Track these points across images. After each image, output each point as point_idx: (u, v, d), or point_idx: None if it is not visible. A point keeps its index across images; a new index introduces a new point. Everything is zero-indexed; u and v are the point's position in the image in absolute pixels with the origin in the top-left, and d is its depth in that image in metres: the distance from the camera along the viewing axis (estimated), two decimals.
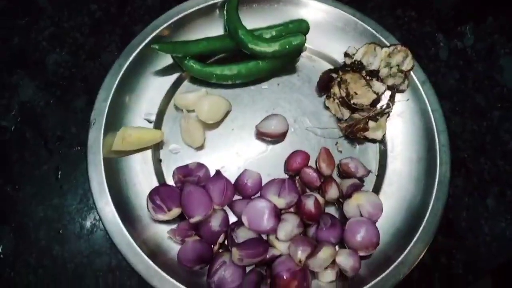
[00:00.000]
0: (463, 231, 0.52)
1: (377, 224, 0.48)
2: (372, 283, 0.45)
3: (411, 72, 0.54)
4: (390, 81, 0.54)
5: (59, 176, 0.51)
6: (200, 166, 0.49)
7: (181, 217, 0.47)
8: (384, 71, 0.54)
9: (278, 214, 0.46)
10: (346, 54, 0.56)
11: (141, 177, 0.50)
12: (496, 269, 0.50)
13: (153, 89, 0.54)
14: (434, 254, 0.50)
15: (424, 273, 0.49)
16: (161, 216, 0.46)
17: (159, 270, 0.44)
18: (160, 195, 0.46)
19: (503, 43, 0.61)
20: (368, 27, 0.57)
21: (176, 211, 0.46)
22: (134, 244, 0.45)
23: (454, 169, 0.51)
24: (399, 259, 0.46)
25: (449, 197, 0.49)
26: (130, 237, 0.45)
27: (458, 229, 0.52)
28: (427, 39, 0.61)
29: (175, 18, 0.55)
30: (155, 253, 0.46)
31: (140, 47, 0.53)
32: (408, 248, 0.46)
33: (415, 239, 0.47)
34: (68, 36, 0.57)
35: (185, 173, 0.48)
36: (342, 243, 0.47)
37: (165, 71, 0.55)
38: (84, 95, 0.54)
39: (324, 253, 0.43)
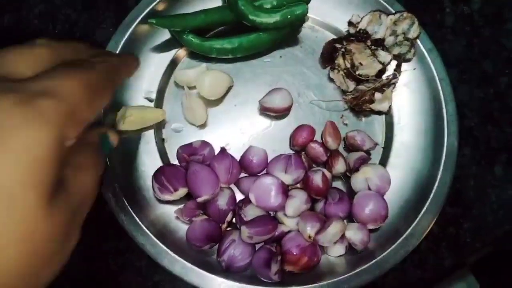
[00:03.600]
0: (470, 200, 0.51)
1: (385, 197, 0.47)
2: (382, 255, 0.45)
3: (417, 40, 0.53)
4: (396, 50, 0.53)
5: None
6: (204, 144, 0.48)
7: (187, 197, 0.47)
8: (389, 40, 0.53)
9: (285, 190, 0.45)
10: (350, 23, 0.54)
11: (144, 157, 0.49)
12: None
13: (152, 66, 0.52)
14: (441, 223, 0.50)
15: (432, 242, 0.49)
16: (167, 197, 0.45)
17: (168, 250, 0.44)
18: (166, 175, 0.45)
19: (511, 6, 0.59)
20: None
21: (182, 191, 0.46)
22: (142, 225, 0.45)
23: (461, 138, 0.50)
24: (408, 231, 0.46)
25: (456, 167, 0.48)
26: (137, 218, 0.45)
27: (465, 198, 0.52)
28: (432, 5, 0.59)
29: None
30: (163, 233, 0.46)
31: (136, 22, 0.51)
32: (417, 219, 0.46)
33: (423, 210, 0.47)
34: (60, 12, 0.55)
35: (189, 152, 0.47)
36: (350, 216, 0.47)
37: (163, 47, 0.53)
38: None
39: (334, 228, 0.43)
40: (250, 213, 0.45)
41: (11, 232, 0.19)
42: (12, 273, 0.20)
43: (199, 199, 0.44)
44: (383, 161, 0.51)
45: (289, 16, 0.50)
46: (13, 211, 0.19)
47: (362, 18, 0.53)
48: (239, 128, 0.52)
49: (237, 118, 0.52)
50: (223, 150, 0.47)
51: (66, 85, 0.21)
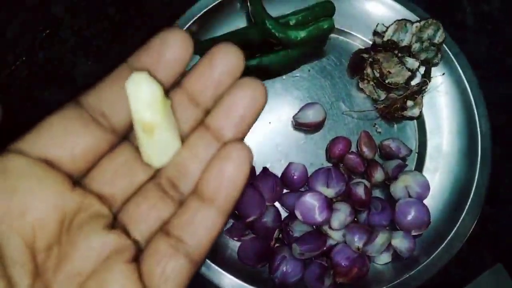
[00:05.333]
0: (506, 198, 0.53)
1: (425, 202, 0.49)
2: (427, 261, 0.46)
3: (443, 45, 0.53)
4: (422, 56, 0.54)
5: None
6: None
7: (233, 217, 0.48)
8: (415, 46, 0.54)
9: (329, 205, 0.47)
10: (376, 33, 0.55)
11: None
12: None
13: None
14: (480, 222, 0.51)
15: (472, 242, 0.51)
16: None
17: (221, 270, 0.46)
18: None
19: None
20: (393, 1, 0.55)
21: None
22: None
23: (491, 137, 0.51)
24: (451, 234, 0.47)
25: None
26: None
27: (502, 195, 0.53)
28: (452, 5, 0.60)
29: (199, 15, 0.53)
30: (213, 253, 0.47)
31: None
32: (458, 222, 0.48)
33: (464, 213, 0.48)
34: (91, 44, 0.56)
35: None
36: (392, 223, 0.49)
37: None
38: None
39: (381, 239, 0.44)
40: (297, 229, 0.47)
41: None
42: None
43: (247, 220, 0.46)
44: (419, 166, 0.53)
45: (316, 32, 0.52)
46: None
47: (387, 28, 0.54)
48: (275, 144, 0.53)
49: (273, 135, 0.53)
50: (265, 170, 0.49)
51: None
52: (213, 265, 0.46)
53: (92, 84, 0.20)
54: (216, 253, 0.47)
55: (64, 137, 0.19)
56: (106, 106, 0.20)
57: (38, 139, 0.18)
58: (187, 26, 0.53)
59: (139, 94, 0.19)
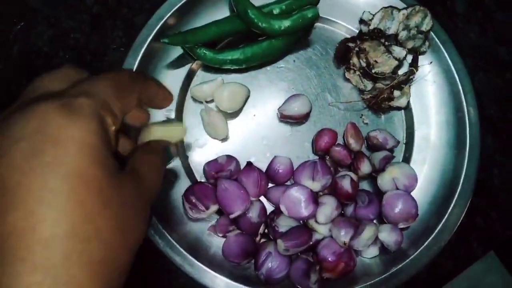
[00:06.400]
0: (495, 189, 0.52)
1: (413, 194, 0.48)
2: (416, 253, 0.46)
3: (431, 32, 0.52)
4: (410, 44, 0.52)
5: None
6: (230, 159, 0.48)
7: (217, 212, 0.47)
8: (402, 34, 0.52)
9: (315, 198, 0.46)
10: (362, 21, 0.54)
11: (171, 177, 0.49)
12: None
13: (168, 84, 0.51)
14: (469, 215, 0.50)
15: (461, 235, 0.50)
16: (199, 215, 0.46)
17: (206, 268, 0.45)
18: (196, 194, 0.46)
19: None
20: None
21: (213, 208, 0.46)
22: (178, 246, 0.45)
23: (481, 128, 0.50)
24: (439, 226, 0.47)
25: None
26: (171, 238, 0.45)
27: (490, 187, 0.52)
28: None
29: (178, 5, 0.52)
30: (197, 250, 0.46)
31: (148, 41, 0.50)
32: (447, 214, 0.47)
33: (452, 205, 0.47)
34: (69, 37, 0.54)
35: (216, 168, 0.48)
36: (380, 216, 0.48)
37: (176, 63, 0.53)
38: None
39: (368, 232, 0.44)
40: (283, 223, 0.46)
41: (95, 202, 0.22)
42: (107, 241, 0.23)
43: (231, 215, 0.45)
44: (406, 157, 0.52)
45: (300, 21, 0.50)
46: (88, 184, 0.22)
47: (373, 15, 0.52)
48: (260, 137, 0.52)
49: (257, 128, 0.52)
50: (249, 164, 0.48)
51: (96, 85, 0.26)
52: (196, 262, 0.45)
53: None
54: (199, 250, 0.46)
55: None
56: None
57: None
58: (166, 16, 0.51)
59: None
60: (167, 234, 0.45)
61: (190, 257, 0.45)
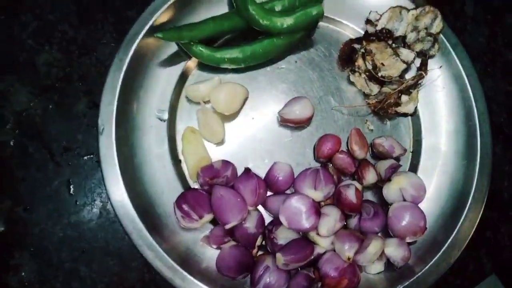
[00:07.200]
0: (506, 202, 0.49)
1: (420, 206, 0.45)
2: (423, 270, 0.43)
3: (441, 35, 0.49)
4: (418, 47, 0.50)
5: (71, 191, 0.47)
6: (226, 164, 0.45)
7: (212, 222, 0.44)
8: (411, 36, 0.50)
9: (317, 209, 0.43)
10: (368, 21, 0.51)
11: (163, 182, 0.46)
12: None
13: (161, 83, 0.48)
14: (478, 229, 0.48)
15: (470, 250, 0.47)
16: (191, 225, 0.43)
17: (199, 283, 0.41)
18: (188, 202, 0.42)
19: None
20: None
21: (207, 218, 0.43)
22: (167, 257, 0.42)
23: (492, 136, 0.48)
24: (448, 241, 0.44)
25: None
26: (161, 249, 0.42)
27: (500, 200, 0.49)
28: None
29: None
30: (189, 262, 0.43)
31: (140, 36, 0.47)
32: (456, 228, 0.44)
33: (462, 218, 0.45)
34: (55, 29, 0.51)
35: (211, 174, 0.44)
36: (385, 229, 0.45)
37: (171, 61, 0.49)
38: (84, 97, 0.49)
39: (374, 247, 0.41)
40: (282, 235, 0.42)
41: None
42: None
43: (227, 226, 0.41)
44: (413, 166, 0.49)
45: (304, 18, 0.47)
46: None
47: (381, 16, 0.50)
48: (259, 142, 0.49)
49: (256, 132, 0.49)
50: (247, 170, 0.44)
51: None
52: (188, 276, 0.41)
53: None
54: (191, 263, 0.43)
55: None
56: None
57: None
58: (161, 10, 0.47)
59: None
60: (157, 244, 0.42)
61: (181, 270, 0.41)
